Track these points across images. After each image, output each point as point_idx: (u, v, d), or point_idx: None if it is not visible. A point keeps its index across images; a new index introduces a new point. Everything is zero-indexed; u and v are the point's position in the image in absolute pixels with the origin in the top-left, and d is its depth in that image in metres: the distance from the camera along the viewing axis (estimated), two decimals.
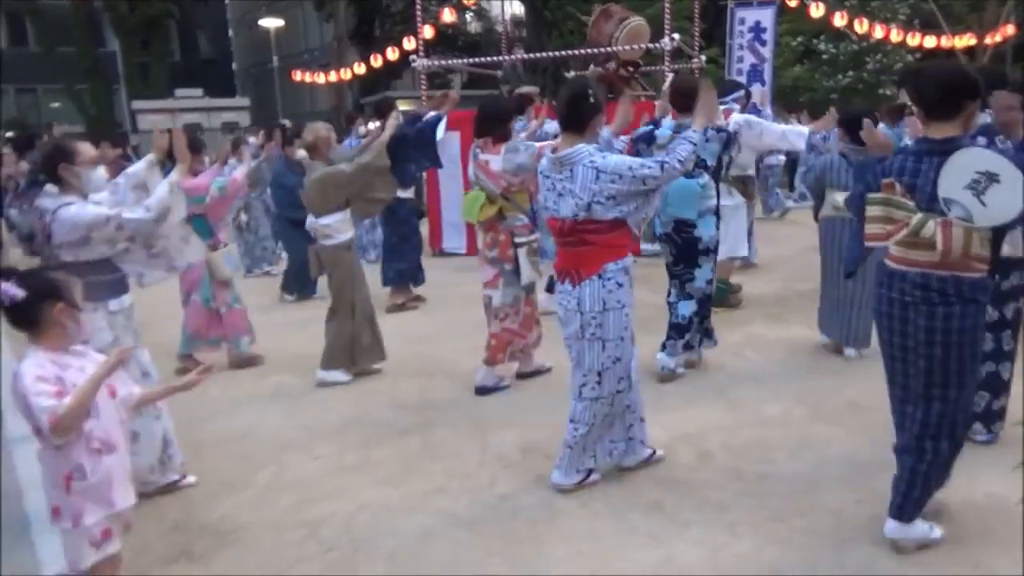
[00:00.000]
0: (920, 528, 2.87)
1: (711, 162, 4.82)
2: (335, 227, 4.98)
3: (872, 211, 2.77)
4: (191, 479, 3.76)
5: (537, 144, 4.74)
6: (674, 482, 3.55)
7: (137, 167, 3.82)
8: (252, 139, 11.64)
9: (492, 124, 4.77)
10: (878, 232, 2.77)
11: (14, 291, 2.37)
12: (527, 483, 3.61)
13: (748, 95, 7.09)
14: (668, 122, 4.83)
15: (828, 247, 5.18)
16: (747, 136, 5.31)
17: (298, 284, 7.57)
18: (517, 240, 4.72)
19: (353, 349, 5.13)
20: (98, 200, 3.50)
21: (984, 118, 3.73)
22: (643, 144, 4.77)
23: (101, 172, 3.57)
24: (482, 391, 4.79)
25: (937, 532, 2.90)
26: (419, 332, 6.31)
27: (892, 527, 2.87)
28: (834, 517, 3.17)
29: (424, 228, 8.56)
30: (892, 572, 2.79)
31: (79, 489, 2.45)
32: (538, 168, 3.50)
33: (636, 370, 3.53)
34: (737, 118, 5.46)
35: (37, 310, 2.42)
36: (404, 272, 7.24)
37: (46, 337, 2.46)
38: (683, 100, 4.73)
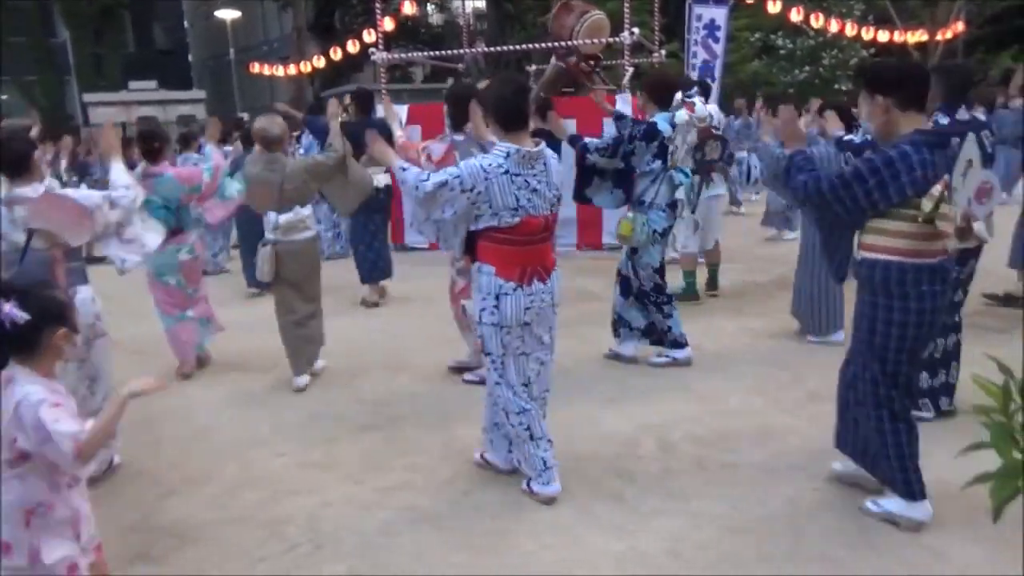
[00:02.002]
0: None
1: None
2: (312, 218, 4.89)
3: (942, 209, 2.77)
4: (117, 458, 3.81)
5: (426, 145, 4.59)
6: (637, 473, 3.59)
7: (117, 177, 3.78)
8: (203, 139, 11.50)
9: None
10: (948, 230, 2.79)
11: (16, 313, 2.15)
12: (490, 477, 3.61)
13: (706, 89, 7.15)
14: (661, 115, 4.85)
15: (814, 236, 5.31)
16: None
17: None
18: None
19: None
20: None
21: None
22: (643, 143, 4.73)
23: None
24: None
25: None
26: (381, 327, 6.28)
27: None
28: (791, 505, 3.23)
29: None
30: (846, 559, 2.86)
31: (40, 525, 2.27)
32: (495, 169, 3.15)
33: None
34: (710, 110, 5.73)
35: (39, 334, 2.21)
36: (385, 266, 7.17)
37: (41, 362, 2.25)
38: (664, 93, 4.96)
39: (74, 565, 2.33)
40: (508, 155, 3.17)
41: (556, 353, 3.56)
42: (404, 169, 3.26)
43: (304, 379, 4.93)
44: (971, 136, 2.87)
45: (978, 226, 3.75)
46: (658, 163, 4.81)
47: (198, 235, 5.40)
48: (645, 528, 3.12)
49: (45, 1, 29.80)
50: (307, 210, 4.85)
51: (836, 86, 21.68)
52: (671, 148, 4.85)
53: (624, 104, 8.20)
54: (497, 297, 3.23)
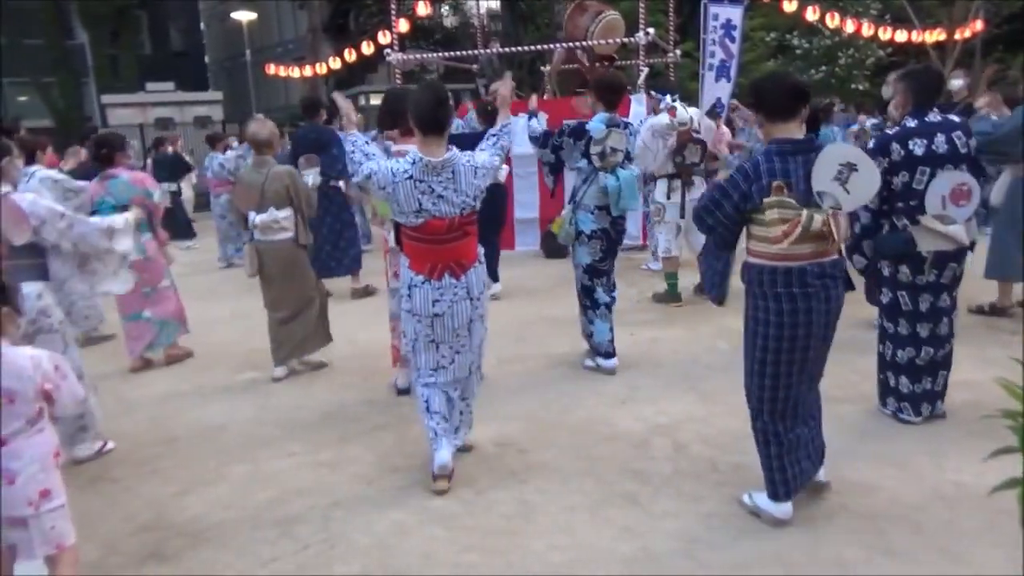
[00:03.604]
0: None
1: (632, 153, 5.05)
2: (289, 219, 5.08)
3: (770, 215, 2.89)
4: (111, 444, 4.09)
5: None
6: (649, 474, 3.57)
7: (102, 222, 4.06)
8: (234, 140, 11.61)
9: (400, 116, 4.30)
10: (778, 235, 2.89)
11: None
12: (502, 477, 3.61)
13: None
14: (600, 116, 4.83)
15: None
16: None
17: None
18: None
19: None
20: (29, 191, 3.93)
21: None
22: (571, 140, 4.82)
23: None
24: None
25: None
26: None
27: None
28: (806, 507, 3.19)
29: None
30: (862, 562, 2.83)
31: (59, 462, 2.57)
32: (401, 173, 3.35)
33: None
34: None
35: None
36: (358, 257, 7.54)
37: None
38: (610, 95, 4.89)
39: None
40: (415, 163, 3.36)
41: (476, 346, 3.63)
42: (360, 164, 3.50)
43: (280, 370, 5.18)
44: (840, 142, 2.96)
45: (955, 228, 3.70)
46: (584, 162, 4.82)
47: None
48: (657, 529, 3.10)
49: (62, 3, 30.01)
50: (283, 212, 5.02)
51: (852, 86, 21.52)
52: (600, 149, 4.77)
53: (639, 104, 8.16)
54: (409, 288, 3.49)
